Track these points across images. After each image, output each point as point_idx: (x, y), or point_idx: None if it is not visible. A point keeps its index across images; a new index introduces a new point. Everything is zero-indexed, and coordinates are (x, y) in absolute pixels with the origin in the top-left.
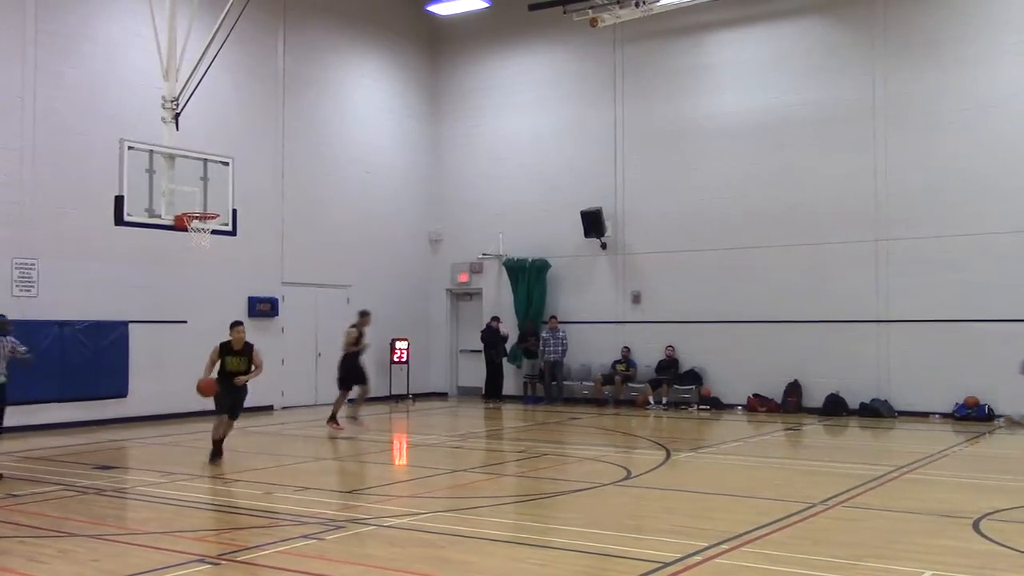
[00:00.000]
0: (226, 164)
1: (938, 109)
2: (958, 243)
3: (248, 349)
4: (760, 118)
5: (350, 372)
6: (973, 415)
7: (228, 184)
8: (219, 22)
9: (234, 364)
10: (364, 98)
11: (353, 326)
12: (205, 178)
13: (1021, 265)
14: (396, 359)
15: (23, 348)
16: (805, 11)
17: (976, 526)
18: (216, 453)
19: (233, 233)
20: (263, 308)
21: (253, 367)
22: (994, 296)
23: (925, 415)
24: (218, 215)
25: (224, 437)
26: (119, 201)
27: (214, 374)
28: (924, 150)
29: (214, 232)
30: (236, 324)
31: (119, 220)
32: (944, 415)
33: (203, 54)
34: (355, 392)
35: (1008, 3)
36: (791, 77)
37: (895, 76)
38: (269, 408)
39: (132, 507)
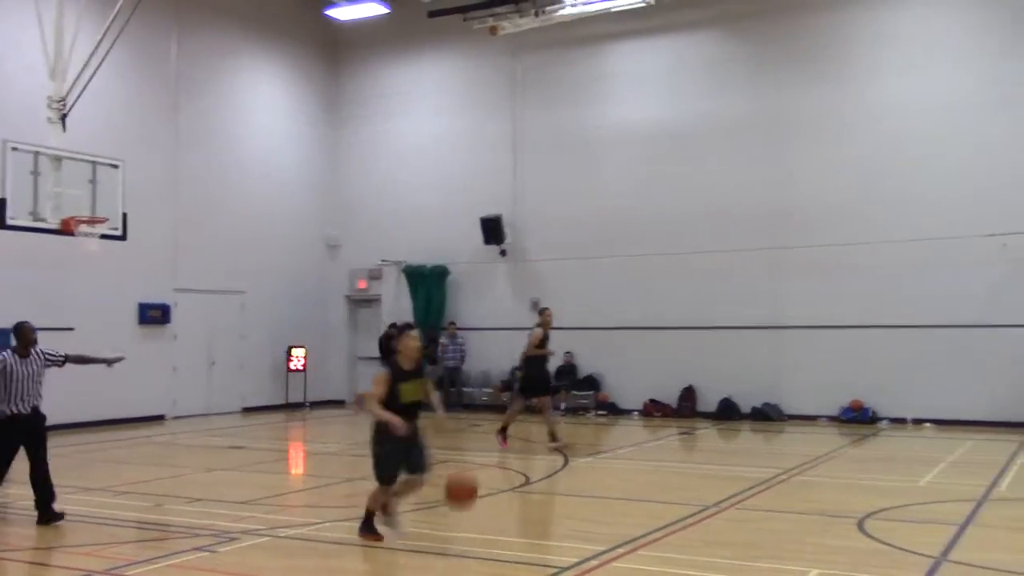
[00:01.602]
0: (116, 167)
1: (829, 121)
2: (848, 251)
3: (420, 368)
4: (658, 128)
5: (534, 380)
6: (858, 418)
7: (118, 187)
8: (108, 22)
9: (410, 393)
10: (261, 103)
11: (538, 325)
12: (94, 181)
13: (907, 273)
14: (293, 367)
15: (59, 355)
16: (701, 24)
17: (861, 525)
18: (371, 525)
19: (123, 238)
20: (154, 315)
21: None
22: (880, 303)
23: (813, 418)
24: (107, 219)
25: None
26: (1, 204)
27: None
28: (816, 160)
29: (103, 237)
30: (406, 328)
31: (1, 224)
32: (831, 418)
33: (92, 54)
34: (537, 405)
35: (892, 20)
36: (688, 88)
37: (788, 88)
38: (160, 418)
39: (15, 522)
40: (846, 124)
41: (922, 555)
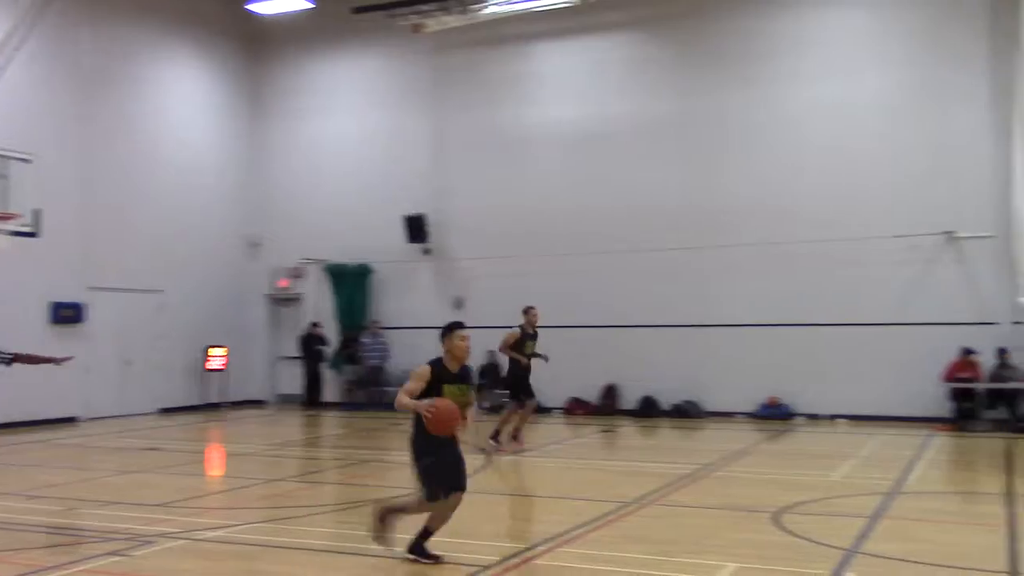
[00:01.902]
0: (28, 161)
1: (748, 123)
2: (765, 251)
3: (468, 373)
4: (581, 128)
5: (513, 382)
6: (774, 414)
7: (30, 183)
8: (20, 14)
9: (455, 395)
10: (179, 97)
11: (519, 325)
12: (5, 176)
13: (822, 273)
14: (212, 366)
15: (6, 353)
16: (623, 26)
17: (776, 519)
18: (425, 551)
19: (35, 234)
20: (67, 314)
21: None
22: (796, 302)
23: (731, 415)
24: (18, 215)
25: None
26: None
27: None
28: (736, 162)
29: (14, 233)
30: (456, 326)
31: None
32: (749, 415)
33: (2, 46)
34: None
35: (809, 27)
36: (610, 89)
37: (708, 91)
38: (73, 420)
39: None
40: (764, 126)
41: (833, 547)
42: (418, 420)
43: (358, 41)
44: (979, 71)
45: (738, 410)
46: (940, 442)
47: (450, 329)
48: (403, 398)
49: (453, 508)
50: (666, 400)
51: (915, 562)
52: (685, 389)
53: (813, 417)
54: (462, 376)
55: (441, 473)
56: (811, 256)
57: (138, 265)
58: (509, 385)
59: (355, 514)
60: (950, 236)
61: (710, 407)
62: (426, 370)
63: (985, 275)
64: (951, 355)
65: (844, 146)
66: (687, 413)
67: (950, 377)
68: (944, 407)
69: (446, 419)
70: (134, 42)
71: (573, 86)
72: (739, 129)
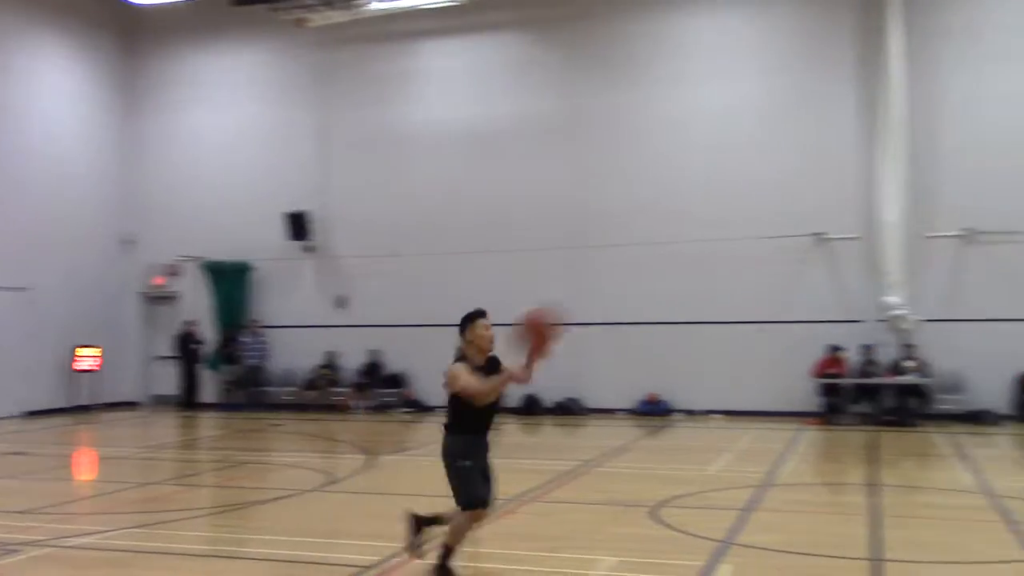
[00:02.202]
0: None
1: (630, 124)
2: (647, 251)
3: (497, 364)
4: (467, 127)
5: None
6: (654, 410)
7: None
8: None
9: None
10: (50, 88)
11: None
12: None
13: (700, 272)
14: (81, 367)
15: None
16: (508, 26)
17: (653, 513)
18: (446, 567)
19: None
20: None
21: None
22: (674, 300)
23: (612, 412)
24: None
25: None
26: None
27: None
28: (618, 162)
29: None
30: (477, 316)
31: None
32: (629, 411)
33: None
34: None
35: (694, 32)
36: (496, 88)
37: (591, 92)
38: None
39: None
40: (648, 128)
41: (709, 539)
42: (453, 423)
43: (240, 33)
44: (847, 79)
45: (619, 407)
46: (810, 436)
47: (471, 319)
48: (478, 384)
49: (479, 520)
50: (548, 398)
51: (786, 552)
52: (567, 386)
53: (690, 413)
54: (491, 368)
55: (477, 482)
56: (690, 256)
57: (3, 261)
58: None
59: (232, 517)
60: (820, 237)
61: (592, 404)
62: (462, 367)
63: (851, 275)
64: (820, 352)
65: (724, 149)
66: (569, 410)
67: (819, 373)
68: (813, 402)
69: (542, 321)
70: (1, 32)
71: (460, 85)
72: (623, 131)
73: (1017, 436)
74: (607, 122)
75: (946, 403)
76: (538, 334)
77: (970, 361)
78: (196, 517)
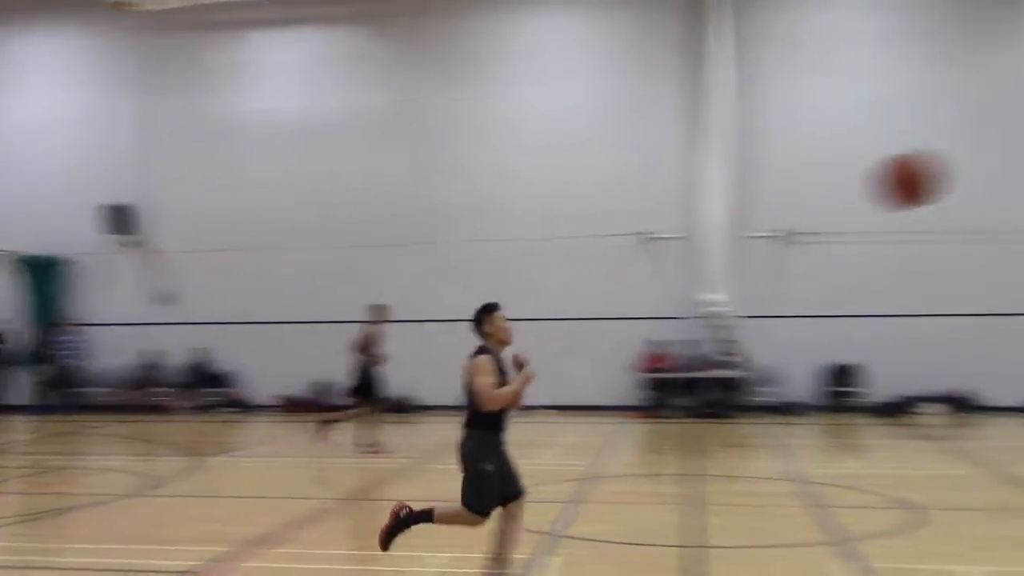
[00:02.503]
0: None
1: (466, 122)
2: (480, 248)
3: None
4: (300, 119)
5: (359, 383)
6: None
7: None
8: None
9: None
10: None
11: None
12: None
13: (530, 269)
14: None
15: None
16: (341, 19)
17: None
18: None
19: None
20: None
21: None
22: (507, 297)
23: (447, 408)
24: None
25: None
26: None
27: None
28: (453, 160)
29: None
30: (493, 308)
31: None
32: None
33: None
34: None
35: (527, 33)
36: (328, 82)
37: (426, 89)
38: None
39: None
40: (480, 126)
41: (538, 532)
42: (477, 422)
43: (53, 14)
44: (673, 83)
45: (452, 404)
46: (634, 429)
47: (488, 311)
48: (496, 392)
49: (520, 516)
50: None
51: (613, 542)
52: (403, 384)
53: (523, 408)
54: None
55: (497, 485)
56: (521, 253)
57: None
58: (359, 386)
59: (45, 525)
60: (646, 237)
61: (427, 401)
62: (488, 360)
63: (676, 273)
64: (646, 347)
65: (555, 149)
66: (403, 407)
67: (644, 368)
68: (639, 396)
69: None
70: None
71: (292, 77)
72: (458, 128)
73: (824, 425)
74: (442, 119)
75: (763, 395)
76: (909, 185)
77: (785, 355)
78: (2, 526)
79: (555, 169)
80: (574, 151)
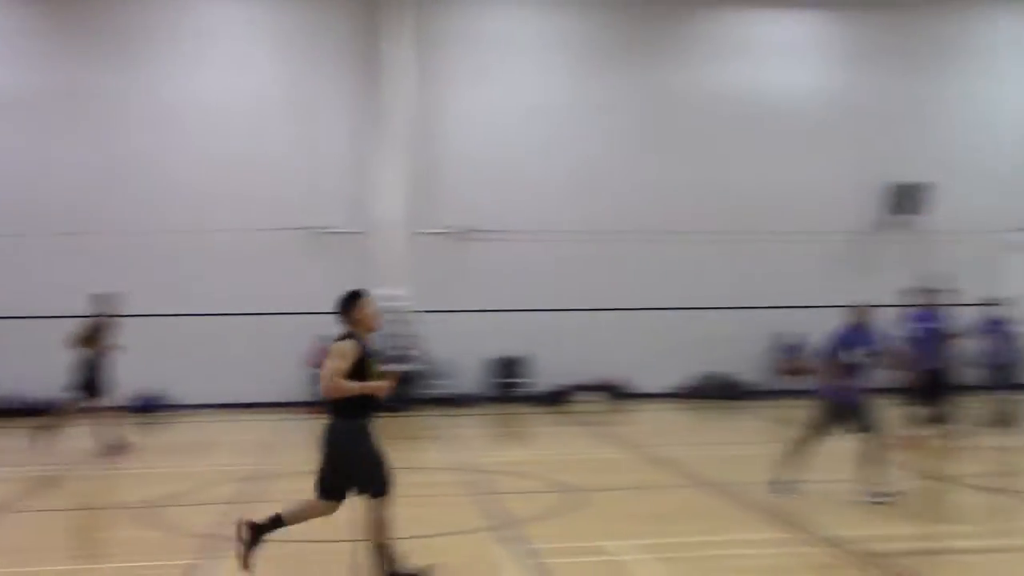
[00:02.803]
0: None
1: (134, 107)
2: (154, 240)
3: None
4: None
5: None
6: (150, 406)
7: None
8: None
9: (376, 375)
10: None
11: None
12: None
13: (192, 264)
14: None
15: None
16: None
17: (140, 516)
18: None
19: None
20: None
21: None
22: (169, 293)
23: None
24: None
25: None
26: None
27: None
28: (123, 146)
29: None
30: (364, 293)
31: None
32: (131, 409)
33: None
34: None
35: (196, 17)
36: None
37: (93, 69)
38: None
39: None
40: (142, 112)
41: (199, 536)
42: (345, 407)
43: None
44: (345, 79)
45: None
46: (308, 425)
47: (357, 297)
48: (338, 381)
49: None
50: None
51: (283, 541)
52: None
53: (187, 407)
54: (373, 349)
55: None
56: (179, 246)
57: None
58: (87, 379)
59: None
60: (321, 231)
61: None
62: (351, 345)
63: (352, 269)
64: (318, 342)
65: (220, 138)
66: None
67: (317, 363)
68: (312, 391)
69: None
70: None
71: None
72: (111, 112)
73: (493, 415)
74: (98, 102)
75: (437, 388)
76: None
77: (459, 349)
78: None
79: (223, 161)
80: (243, 142)
